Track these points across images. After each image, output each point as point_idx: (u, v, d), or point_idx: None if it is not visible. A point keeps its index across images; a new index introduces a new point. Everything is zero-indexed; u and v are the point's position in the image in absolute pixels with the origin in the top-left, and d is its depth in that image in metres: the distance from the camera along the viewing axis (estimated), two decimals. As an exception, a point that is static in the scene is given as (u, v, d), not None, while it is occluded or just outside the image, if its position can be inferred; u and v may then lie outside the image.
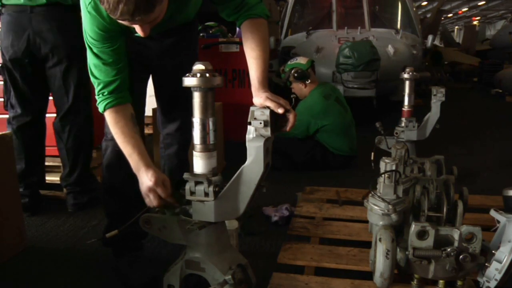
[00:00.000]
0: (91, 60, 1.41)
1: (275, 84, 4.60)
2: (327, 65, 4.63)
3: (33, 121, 2.32)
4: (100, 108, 1.41)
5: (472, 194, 2.04)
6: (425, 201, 1.43)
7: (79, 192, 2.44)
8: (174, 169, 1.84)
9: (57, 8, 2.17)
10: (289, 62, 3.45)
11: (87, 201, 2.44)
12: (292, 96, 3.39)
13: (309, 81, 3.28)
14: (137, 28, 1.20)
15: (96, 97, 1.42)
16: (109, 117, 1.41)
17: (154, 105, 1.86)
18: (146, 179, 1.30)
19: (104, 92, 1.40)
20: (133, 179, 1.41)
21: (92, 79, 1.42)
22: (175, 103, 1.76)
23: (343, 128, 3.21)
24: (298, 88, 3.33)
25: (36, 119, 2.34)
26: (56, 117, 2.36)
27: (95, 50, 1.38)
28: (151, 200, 1.29)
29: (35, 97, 2.31)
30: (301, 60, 3.39)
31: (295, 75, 3.26)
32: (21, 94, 2.27)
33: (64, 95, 2.29)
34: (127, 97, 1.44)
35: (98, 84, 1.41)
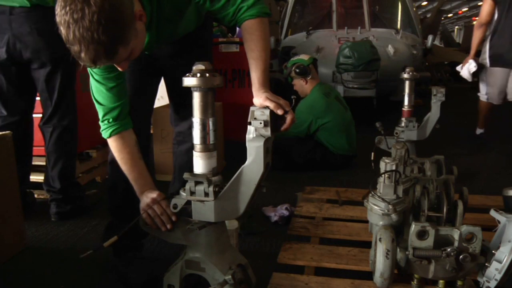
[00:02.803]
0: (93, 85, 1.42)
1: (276, 83, 4.60)
2: (327, 65, 4.63)
3: (19, 122, 2.26)
4: (105, 134, 1.44)
5: (472, 194, 2.04)
6: (425, 201, 1.43)
7: (62, 200, 2.33)
8: (184, 165, 1.85)
9: (38, 10, 2.06)
10: (291, 59, 3.49)
11: (70, 210, 2.34)
12: (292, 97, 3.39)
13: (310, 77, 3.30)
14: (115, 65, 1.23)
15: (100, 123, 1.44)
16: (114, 144, 1.44)
17: (154, 105, 1.86)
18: (151, 195, 1.33)
19: (109, 119, 1.43)
20: None
21: (95, 103, 1.44)
22: (186, 101, 1.76)
23: (343, 126, 3.23)
24: (299, 84, 3.35)
25: (22, 120, 2.28)
26: (41, 119, 2.31)
27: (96, 77, 1.40)
28: (149, 215, 1.28)
29: (21, 99, 2.25)
30: (303, 57, 3.44)
31: (297, 70, 3.29)
32: (6, 96, 2.21)
33: (48, 99, 2.24)
34: (130, 123, 1.48)
35: (102, 110, 1.43)
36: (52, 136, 2.28)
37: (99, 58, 1.10)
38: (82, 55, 1.09)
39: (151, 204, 1.29)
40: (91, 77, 1.42)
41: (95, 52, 1.08)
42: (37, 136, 2.39)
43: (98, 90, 1.42)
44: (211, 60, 1.72)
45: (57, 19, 1.08)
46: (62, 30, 1.07)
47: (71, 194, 2.36)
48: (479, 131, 3.89)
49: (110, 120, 1.43)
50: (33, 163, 2.48)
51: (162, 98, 1.85)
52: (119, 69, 1.25)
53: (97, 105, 1.44)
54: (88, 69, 1.38)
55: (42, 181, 2.46)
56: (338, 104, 3.29)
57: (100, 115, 1.44)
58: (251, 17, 1.36)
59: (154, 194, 1.33)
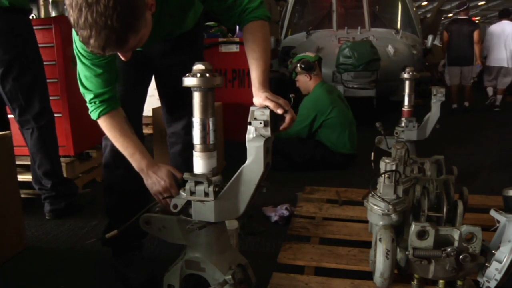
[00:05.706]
0: (81, 71, 1.38)
1: (277, 81, 4.60)
2: (327, 65, 4.62)
3: None
4: (94, 115, 1.41)
5: (472, 194, 2.04)
6: (425, 201, 1.43)
7: (55, 197, 2.33)
8: (178, 167, 1.84)
9: None
10: (298, 55, 3.55)
11: (64, 207, 2.34)
12: (291, 95, 3.40)
13: (315, 73, 3.34)
14: (119, 54, 1.19)
15: (88, 105, 1.42)
16: (104, 123, 1.41)
17: (154, 105, 1.85)
18: (156, 178, 1.35)
19: (96, 101, 1.39)
20: (132, 176, 1.42)
21: (81, 89, 1.41)
22: (180, 102, 1.76)
23: (346, 124, 3.25)
24: (303, 80, 3.38)
25: None
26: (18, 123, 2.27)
27: (85, 62, 1.36)
28: (167, 201, 1.31)
29: None
30: (309, 54, 3.50)
31: (302, 66, 3.32)
32: None
33: (13, 101, 2.18)
34: (118, 102, 1.45)
35: (89, 94, 1.39)
36: (32, 136, 2.25)
37: (109, 45, 1.06)
38: (92, 41, 1.05)
39: (163, 192, 1.34)
40: (78, 61, 1.37)
41: (106, 39, 1.04)
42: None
43: (85, 75, 1.38)
44: (203, 60, 1.72)
45: (67, 1, 1.03)
46: (72, 13, 1.03)
47: (63, 191, 2.36)
48: (453, 106, 6.04)
49: (97, 102, 1.39)
50: (20, 162, 2.44)
51: (162, 98, 1.86)
52: (122, 58, 1.21)
53: (82, 90, 1.40)
54: (75, 51, 1.35)
55: (29, 180, 2.43)
56: (340, 102, 3.33)
57: (87, 98, 1.40)
58: (255, 19, 1.36)
59: (161, 180, 1.33)
